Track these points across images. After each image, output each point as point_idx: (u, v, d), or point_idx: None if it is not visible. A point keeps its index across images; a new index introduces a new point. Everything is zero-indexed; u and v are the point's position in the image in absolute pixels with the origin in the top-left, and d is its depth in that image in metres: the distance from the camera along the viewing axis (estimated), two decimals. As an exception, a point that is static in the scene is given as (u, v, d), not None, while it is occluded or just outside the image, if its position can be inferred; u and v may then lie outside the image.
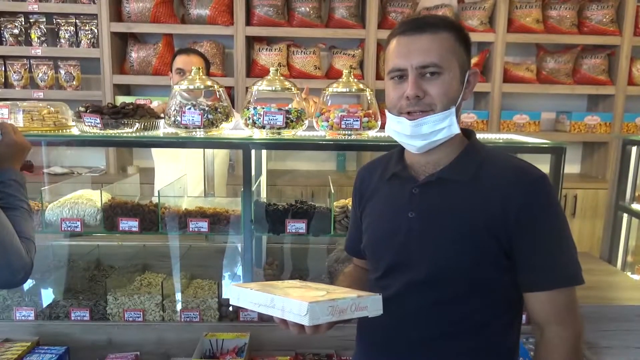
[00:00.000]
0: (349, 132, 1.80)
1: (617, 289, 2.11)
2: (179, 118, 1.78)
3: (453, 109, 1.07)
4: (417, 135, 1.07)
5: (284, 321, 0.97)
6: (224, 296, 1.92)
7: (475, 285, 1.07)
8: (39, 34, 3.63)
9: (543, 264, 1.04)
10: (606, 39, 3.69)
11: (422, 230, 1.09)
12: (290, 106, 1.84)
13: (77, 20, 3.60)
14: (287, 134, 1.82)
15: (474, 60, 3.71)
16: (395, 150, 1.22)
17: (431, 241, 1.08)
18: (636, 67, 3.75)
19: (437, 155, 1.11)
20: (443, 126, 1.06)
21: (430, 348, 1.10)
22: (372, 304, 0.99)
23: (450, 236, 1.06)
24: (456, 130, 1.08)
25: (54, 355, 1.71)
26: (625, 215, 2.48)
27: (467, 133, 1.17)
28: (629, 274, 2.40)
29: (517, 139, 1.96)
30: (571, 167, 4.09)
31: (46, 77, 3.64)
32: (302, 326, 0.95)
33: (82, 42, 3.62)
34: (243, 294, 1.04)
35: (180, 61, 2.48)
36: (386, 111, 1.14)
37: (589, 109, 4.03)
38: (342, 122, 1.78)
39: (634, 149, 2.41)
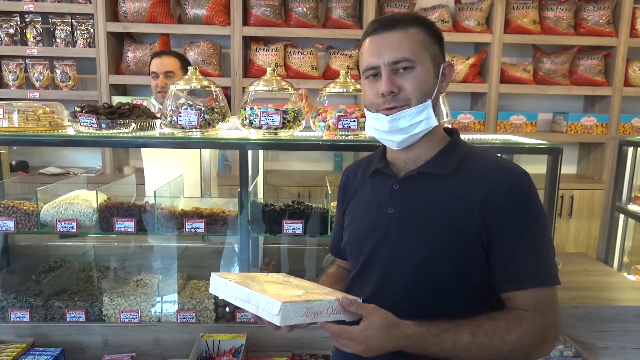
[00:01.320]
0: (346, 133, 1.80)
1: (613, 290, 2.11)
2: (175, 118, 1.77)
3: (429, 102, 1.08)
4: (396, 130, 1.08)
5: (259, 317, 0.96)
6: (220, 297, 1.91)
7: (453, 283, 1.05)
8: (35, 33, 3.61)
9: (518, 262, 1.02)
10: (602, 40, 3.70)
11: (401, 226, 1.08)
12: (287, 106, 1.84)
13: (73, 20, 3.59)
14: (284, 134, 1.81)
15: (471, 61, 3.72)
16: (378, 150, 1.23)
17: (409, 237, 1.07)
18: (632, 68, 3.76)
19: (417, 151, 1.12)
20: (420, 119, 1.07)
21: (404, 353, 1.03)
22: None
23: (428, 232, 1.05)
24: (434, 122, 1.08)
25: (49, 357, 1.70)
26: (621, 216, 2.48)
27: (449, 131, 1.17)
28: (625, 274, 2.41)
29: (514, 140, 1.96)
30: (568, 167, 4.10)
31: (42, 77, 3.62)
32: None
33: (78, 41, 3.60)
34: (222, 284, 1.01)
35: (153, 65, 2.46)
36: (365, 110, 1.15)
37: (586, 110, 4.04)
38: (339, 123, 1.78)
39: (630, 149, 2.42)
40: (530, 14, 3.66)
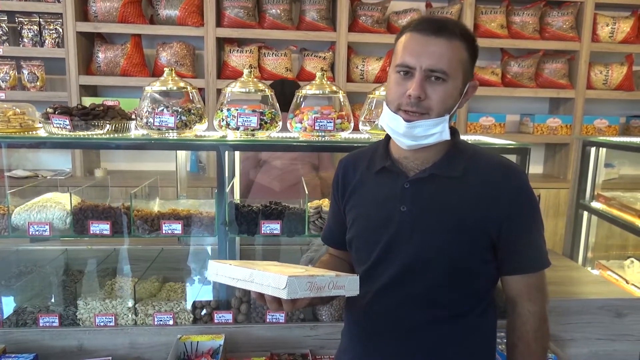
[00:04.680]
0: (322, 134, 1.83)
1: (578, 284, 2.20)
2: (151, 119, 1.77)
3: (447, 117, 1.11)
4: (409, 135, 1.11)
5: (262, 297, 0.98)
6: (197, 298, 1.91)
7: (461, 276, 1.14)
8: (0, 32, 3.51)
9: (525, 252, 1.15)
10: (566, 44, 3.84)
11: (414, 223, 1.13)
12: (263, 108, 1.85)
13: (40, 19, 3.50)
14: (261, 135, 1.82)
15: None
16: (380, 144, 1.25)
17: (422, 234, 1.13)
18: (594, 71, 3.92)
19: (426, 153, 1.16)
20: (435, 131, 1.10)
21: (417, 336, 1.16)
22: (349, 284, 1.01)
23: (441, 229, 1.12)
24: (446, 136, 1.13)
25: (22, 363, 1.67)
26: (585, 213, 2.59)
27: (451, 131, 1.20)
28: (589, 269, 2.51)
29: (485, 140, 2.02)
30: (534, 167, 4.23)
31: (8, 78, 3.52)
32: (279, 302, 0.96)
33: (47, 41, 3.52)
34: (222, 269, 1.03)
35: None
36: (384, 104, 1.16)
37: (551, 112, 4.19)
38: (316, 124, 1.81)
39: (593, 150, 2.53)
40: (498, 19, 3.77)
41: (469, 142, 1.95)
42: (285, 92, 2.34)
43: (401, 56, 1.09)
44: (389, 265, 1.16)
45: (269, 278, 0.94)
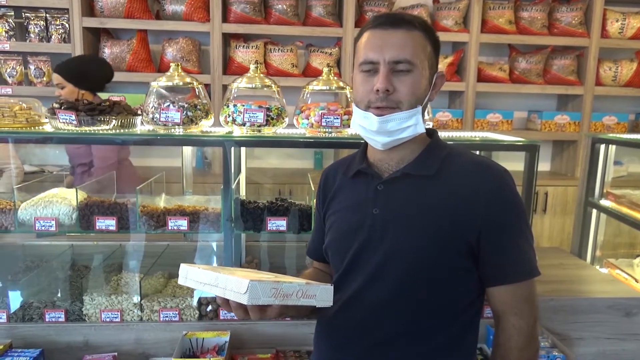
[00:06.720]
0: (329, 130, 1.81)
1: (587, 282, 2.18)
2: (157, 115, 1.76)
3: (419, 108, 1.08)
4: (383, 131, 1.07)
5: (227, 303, 0.93)
6: (202, 294, 1.91)
7: (436, 283, 1.07)
8: (7, 28, 3.52)
9: (508, 259, 1.07)
10: (575, 41, 3.80)
11: (386, 227, 1.08)
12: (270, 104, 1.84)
13: (47, 15, 3.51)
14: (268, 131, 1.81)
15: (449, 60, 3.77)
16: (359, 150, 1.22)
17: (395, 237, 1.07)
18: (603, 68, 3.88)
19: (401, 153, 1.12)
20: (409, 124, 1.07)
21: (391, 346, 1.08)
22: (321, 294, 0.96)
23: (415, 231, 1.06)
24: (421, 129, 1.09)
25: (28, 358, 1.66)
26: (594, 211, 2.56)
27: (429, 131, 1.18)
28: (598, 267, 2.48)
29: (493, 137, 2.00)
30: (542, 164, 4.20)
31: (15, 73, 3.53)
32: (245, 309, 0.92)
33: (53, 37, 3.52)
34: (191, 272, 1.00)
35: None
36: (353, 105, 1.14)
37: (559, 109, 4.15)
38: (323, 120, 1.79)
39: (602, 147, 2.50)
40: (506, 14, 3.74)
41: (477, 138, 1.95)
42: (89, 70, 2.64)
43: (363, 54, 1.07)
44: (359, 271, 1.10)
45: (232, 282, 0.90)
